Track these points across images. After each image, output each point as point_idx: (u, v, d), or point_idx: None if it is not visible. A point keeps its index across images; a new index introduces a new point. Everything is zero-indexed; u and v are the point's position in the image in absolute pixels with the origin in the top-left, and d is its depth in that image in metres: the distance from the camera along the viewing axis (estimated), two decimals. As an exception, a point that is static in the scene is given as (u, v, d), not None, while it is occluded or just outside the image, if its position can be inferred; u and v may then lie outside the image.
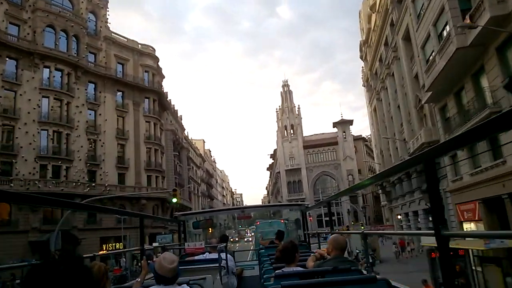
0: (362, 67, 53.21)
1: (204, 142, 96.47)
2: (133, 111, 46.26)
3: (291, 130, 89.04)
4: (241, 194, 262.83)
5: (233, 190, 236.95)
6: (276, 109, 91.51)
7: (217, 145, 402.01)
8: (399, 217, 42.12)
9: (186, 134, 74.55)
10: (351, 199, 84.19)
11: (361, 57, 52.29)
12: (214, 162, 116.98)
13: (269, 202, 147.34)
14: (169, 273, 3.16)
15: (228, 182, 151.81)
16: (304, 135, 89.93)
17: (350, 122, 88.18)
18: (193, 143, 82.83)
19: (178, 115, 67.64)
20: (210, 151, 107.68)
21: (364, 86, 53.77)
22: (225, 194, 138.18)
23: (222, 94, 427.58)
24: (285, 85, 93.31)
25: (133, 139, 45.22)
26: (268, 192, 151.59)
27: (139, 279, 3.82)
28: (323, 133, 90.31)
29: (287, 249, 4.19)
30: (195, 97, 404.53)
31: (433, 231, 1.87)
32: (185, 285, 3.38)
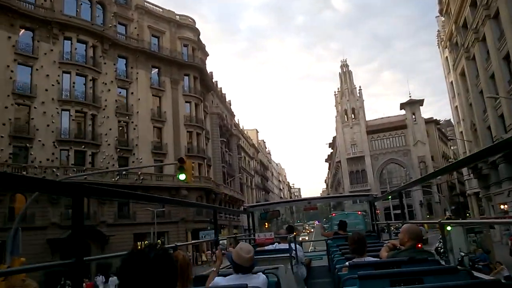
0: (442, 24, 43.54)
1: (257, 132, 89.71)
2: (171, 90, 40.15)
3: (352, 115, 79.88)
4: (299, 188, 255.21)
5: (290, 184, 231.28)
6: (335, 92, 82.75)
7: (273, 140, 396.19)
8: (503, 207, 32.58)
9: (237, 122, 68.06)
10: (423, 190, 73.99)
11: (440, 12, 42.70)
12: (269, 154, 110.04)
13: (328, 195, 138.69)
14: (247, 262, 3.28)
15: (284, 176, 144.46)
16: (366, 119, 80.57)
17: (420, 102, 77.44)
18: (245, 132, 76.31)
19: (227, 100, 61.14)
20: (264, 142, 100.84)
21: (446, 47, 44.13)
22: (282, 188, 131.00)
23: (279, 89, 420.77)
24: (344, 65, 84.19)
25: (171, 122, 39.11)
26: (327, 185, 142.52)
27: (214, 269, 3.81)
28: (389, 117, 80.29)
29: (360, 240, 4.19)
30: (251, 94, 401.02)
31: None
32: (261, 273, 3.41)
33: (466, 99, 38.82)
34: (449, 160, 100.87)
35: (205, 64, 47.23)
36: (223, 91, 59.46)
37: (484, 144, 34.32)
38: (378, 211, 58.24)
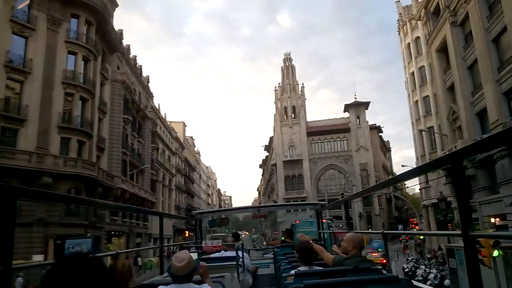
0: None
1: (184, 125, 77.46)
2: (46, 32, 27.35)
3: (292, 114, 70.64)
4: (231, 196, 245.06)
5: (221, 192, 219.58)
6: (275, 87, 73.14)
7: (207, 145, 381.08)
8: (495, 220, 23.70)
9: (157, 107, 55.62)
10: (364, 201, 66.30)
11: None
12: (198, 154, 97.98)
13: (259, 204, 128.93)
14: (179, 271, 3.07)
15: (215, 180, 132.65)
16: (307, 120, 71.72)
17: (366, 105, 69.95)
18: (168, 123, 63.98)
19: (144, 75, 48.61)
20: (193, 139, 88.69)
21: (419, 19, 35.68)
22: (211, 193, 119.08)
23: (218, 97, 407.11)
24: (287, 58, 74.93)
25: (40, 76, 26.29)
26: (259, 193, 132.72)
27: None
28: (331, 119, 71.98)
29: (309, 250, 4.09)
30: (191, 99, 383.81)
31: (459, 232, 1.80)
32: (205, 284, 3.30)
33: (443, 81, 30.19)
34: (392, 172, 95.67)
35: (111, 14, 34.83)
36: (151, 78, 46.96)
37: (470, 136, 25.60)
38: (324, 220, 50.38)
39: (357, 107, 69.41)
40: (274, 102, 72.21)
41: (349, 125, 68.63)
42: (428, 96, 41.33)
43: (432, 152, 40.53)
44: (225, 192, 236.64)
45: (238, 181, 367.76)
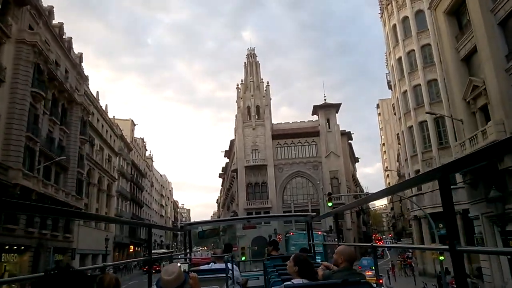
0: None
1: (133, 124, 67.62)
2: None
3: (256, 115, 62.68)
4: (189, 210, 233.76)
5: (179, 205, 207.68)
6: (237, 85, 64.99)
7: (168, 160, 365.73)
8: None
9: (96, 96, 46.00)
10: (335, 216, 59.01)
11: None
12: (151, 159, 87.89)
13: (219, 217, 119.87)
14: (168, 285, 2.98)
15: (170, 191, 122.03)
16: (273, 122, 63.99)
17: (336, 107, 63.10)
18: (110, 117, 54.29)
19: (76, 52, 39.08)
20: (144, 142, 78.75)
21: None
22: (165, 204, 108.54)
23: (181, 111, 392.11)
24: (251, 54, 67.21)
25: None
26: (218, 205, 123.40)
27: None
28: (299, 122, 64.56)
29: (310, 263, 3.96)
30: (152, 110, 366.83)
31: (447, 246, 1.82)
32: None
33: (455, 51, 23.11)
34: (359, 185, 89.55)
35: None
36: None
37: (507, 113, 18.42)
38: (279, 237, 42.89)
39: (327, 109, 62.44)
40: (236, 101, 64.04)
41: (318, 128, 61.44)
42: (419, 85, 34.56)
43: (425, 151, 33.61)
44: (183, 205, 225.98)
45: (198, 194, 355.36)
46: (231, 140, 66.40)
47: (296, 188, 60.41)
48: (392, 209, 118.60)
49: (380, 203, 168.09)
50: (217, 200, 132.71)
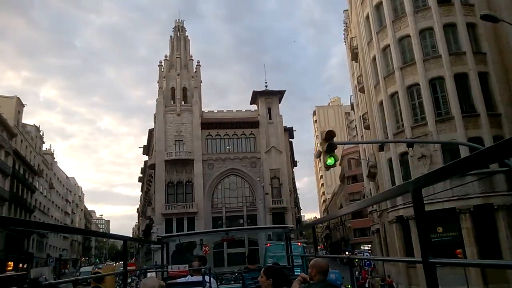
0: None
1: (21, 104, 51.86)
2: None
3: (183, 100, 50.40)
4: (108, 221, 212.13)
5: (97, 215, 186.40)
6: (160, 61, 52.36)
7: (91, 171, 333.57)
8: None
9: None
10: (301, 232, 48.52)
11: None
12: (51, 155, 71.39)
13: (138, 228, 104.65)
14: None
15: (80, 197, 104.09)
16: (203, 110, 52.17)
17: (279, 95, 52.90)
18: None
19: None
20: (39, 131, 62.60)
21: None
22: (71, 212, 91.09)
23: (108, 118, 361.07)
24: (179, 27, 55.04)
25: None
26: (139, 213, 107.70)
27: None
28: (235, 111, 53.30)
29: (284, 274, 3.98)
30: (76, 114, 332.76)
31: (420, 259, 1.82)
32: None
33: None
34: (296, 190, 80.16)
35: None
36: None
37: None
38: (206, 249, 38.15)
39: (269, 97, 52.01)
40: (158, 81, 51.34)
41: (257, 118, 50.71)
42: (407, 36, 25.04)
43: (416, 125, 23.88)
44: (101, 215, 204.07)
45: (122, 207, 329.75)
46: (149, 130, 53.27)
47: (229, 189, 48.84)
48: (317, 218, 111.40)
49: (310, 215, 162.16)
50: (137, 209, 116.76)
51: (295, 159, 70.52)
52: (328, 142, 8.20)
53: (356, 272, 35.66)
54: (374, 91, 27.05)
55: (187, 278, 6.01)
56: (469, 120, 22.16)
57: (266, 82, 51.69)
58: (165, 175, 47.13)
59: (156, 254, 44.72)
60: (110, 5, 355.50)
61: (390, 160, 24.88)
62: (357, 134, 38.33)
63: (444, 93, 22.98)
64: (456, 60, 23.23)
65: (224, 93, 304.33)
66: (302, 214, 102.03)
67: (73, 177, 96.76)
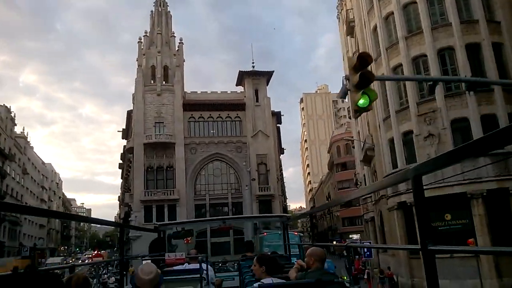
0: None
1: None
2: None
3: (164, 79, 47.03)
4: (90, 209, 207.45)
5: (77, 203, 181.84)
6: (140, 38, 48.80)
7: (73, 160, 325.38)
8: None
9: None
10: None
11: None
12: (24, 139, 67.29)
13: (119, 216, 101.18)
14: (146, 285, 2.97)
15: (57, 184, 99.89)
16: (186, 90, 49.00)
17: (267, 76, 49.99)
18: None
19: None
20: (9, 111, 58.59)
21: None
22: (47, 199, 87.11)
23: (89, 104, 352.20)
24: (160, 1, 51.42)
25: None
26: (119, 202, 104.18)
27: None
28: (219, 92, 50.20)
29: (275, 259, 3.97)
30: (57, 100, 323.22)
31: (419, 246, 1.79)
32: None
33: None
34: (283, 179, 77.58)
35: None
36: None
37: None
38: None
39: (256, 78, 49.04)
40: (137, 59, 47.85)
41: (244, 100, 47.79)
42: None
43: (422, 101, 21.37)
44: (82, 203, 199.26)
45: (106, 196, 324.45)
46: (128, 112, 49.91)
47: (213, 176, 45.98)
48: (312, 208, 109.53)
49: (296, 205, 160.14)
50: (118, 197, 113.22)
51: (282, 147, 67.48)
52: (361, 71, 5.45)
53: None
54: (374, 65, 24.38)
55: (184, 265, 6.02)
56: (482, 96, 19.65)
57: (253, 63, 48.69)
58: (144, 160, 44.00)
59: (135, 244, 41.88)
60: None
61: (391, 141, 22.33)
62: (351, 117, 35.70)
63: (454, 65, 20.44)
64: (468, 29, 20.68)
65: (209, 81, 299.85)
66: (287, 204, 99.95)
67: (50, 163, 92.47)
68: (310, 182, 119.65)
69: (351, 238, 55.09)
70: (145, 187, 43.42)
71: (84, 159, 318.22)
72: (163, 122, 45.08)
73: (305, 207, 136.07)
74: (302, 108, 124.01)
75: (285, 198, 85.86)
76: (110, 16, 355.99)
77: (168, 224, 9.37)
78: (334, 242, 49.62)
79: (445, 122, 19.49)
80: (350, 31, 31.20)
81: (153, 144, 43.88)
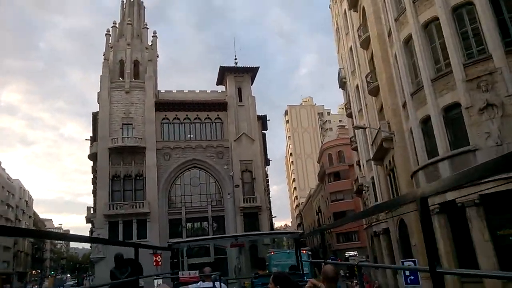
0: None
1: None
2: None
3: (133, 77, 40.28)
4: (68, 230, 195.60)
5: (54, 224, 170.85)
6: (108, 30, 42.16)
7: (55, 183, 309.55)
8: None
9: None
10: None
11: None
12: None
13: (91, 231, 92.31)
14: None
15: (26, 202, 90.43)
16: (159, 89, 42.37)
17: (252, 72, 43.72)
18: None
19: None
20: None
21: None
22: (15, 219, 77.99)
23: (73, 128, 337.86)
24: (133, -9, 45.12)
25: None
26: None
27: None
28: (198, 92, 43.59)
29: (290, 279, 3.87)
30: (35, 121, 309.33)
31: (427, 267, 1.81)
32: None
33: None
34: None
35: None
36: None
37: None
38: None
39: (239, 75, 42.75)
40: (104, 53, 41.16)
41: (225, 100, 41.35)
42: None
43: (470, 62, 15.13)
44: (61, 224, 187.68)
45: (84, 215, 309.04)
46: (93, 114, 42.86)
47: (190, 185, 38.98)
48: (299, 225, 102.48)
49: (281, 223, 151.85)
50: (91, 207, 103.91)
51: (268, 157, 60.38)
52: None
53: (356, 285, 26.93)
54: (394, 26, 18.19)
55: (198, 284, 6.07)
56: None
57: (236, 58, 42.49)
58: (109, 167, 36.87)
59: (98, 266, 34.56)
60: (76, 8, 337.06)
61: (425, 121, 16.04)
62: (353, 110, 29.50)
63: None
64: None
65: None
66: (273, 222, 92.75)
67: (18, 180, 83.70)
68: (296, 197, 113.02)
69: (346, 255, 48.37)
70: (110, 199, 36.17)
71: (67, 180, 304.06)
72: (132, 124, 38.20)
73: (290, 225, 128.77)
74: (287, 121, 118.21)
75: (271, 214, 78.95)
76: (92, 35, 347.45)
77: (181, 242, 8.73)
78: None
79: (510, 87, 13.33)
80: (354, 3, 25.30)
81: (119, 149, 36.84)
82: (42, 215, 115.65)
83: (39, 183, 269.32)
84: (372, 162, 23.88)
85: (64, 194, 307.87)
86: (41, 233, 2.80)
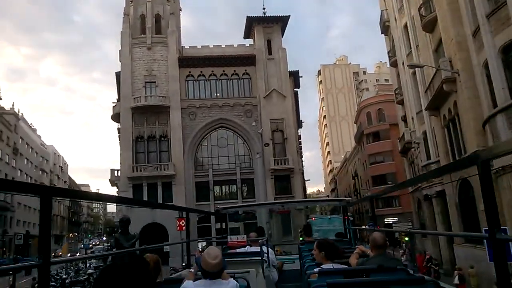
0: None
1: None
2: None
3: (155, 32, 37.35)
4: (99, 190, 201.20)
5: (95, 190, 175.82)
6: (126, -18, 39.10)
7: (93, 151, 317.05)
8: None
9: None
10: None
11: None
12: (13, 115, 58.74)
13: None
14: (213, 268, 3.05)
15: (61, 167, 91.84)
16: (183, 45, 39.38)
17: (282, 23, 39.78)
18: None
19: None
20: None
21: None
22: (50, 183, 79.26)
23: (108, 98, 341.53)
24: None
25: None
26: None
27: (192, 270, 3.56)
28: (223, 46, 40.20)
29: (330, 245, 3.86)
30: (78, 96, 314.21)
31: (487, 234, 1.74)
32: (232, 279, 3.19)
33: None
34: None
35: None
36: None
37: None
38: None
39: (268, 26, 38.94)
40: (124, 8, 38.31)
41: (253, 53, 37.86)
42: None
43: None
44: (98, 190, 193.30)
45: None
46: (116, 74, 40.39)
47: (217, 146, 36.46)
48: (333, 190, 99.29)
49: (313, 189, 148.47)
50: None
51: (301, 119, 56.34)
52: None
53: (402, 255, 23.97)
54: None
55: (246, 248, 6.03)
56: None
57: (264, 8, 38.59)
58: (132, 127, 34.82)
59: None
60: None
61: (507, 49, 12.27)
62: (399, 56, 25.43)
63: None
64: None
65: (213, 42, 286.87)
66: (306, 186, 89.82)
67: (52, 145, 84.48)
68: (330, 162, 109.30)
69: (386, 221, 45.10)
70: (134, 161, 34.30)
71: (105, 148, 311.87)
72: (155, 82, 35.68)
73: (323, 190, 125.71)
74: (320, 81, 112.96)
75: (304, 179, 76.03)
76: (123, 4, 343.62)
77: (230, 207, 8.70)
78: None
79: None
80: None
81: (143, 108, 34.57)
82: (79, 182, 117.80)
83: (78, 152, 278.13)
84: (426, 112, 20.15)
85: (102, 162, 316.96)
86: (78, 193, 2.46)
